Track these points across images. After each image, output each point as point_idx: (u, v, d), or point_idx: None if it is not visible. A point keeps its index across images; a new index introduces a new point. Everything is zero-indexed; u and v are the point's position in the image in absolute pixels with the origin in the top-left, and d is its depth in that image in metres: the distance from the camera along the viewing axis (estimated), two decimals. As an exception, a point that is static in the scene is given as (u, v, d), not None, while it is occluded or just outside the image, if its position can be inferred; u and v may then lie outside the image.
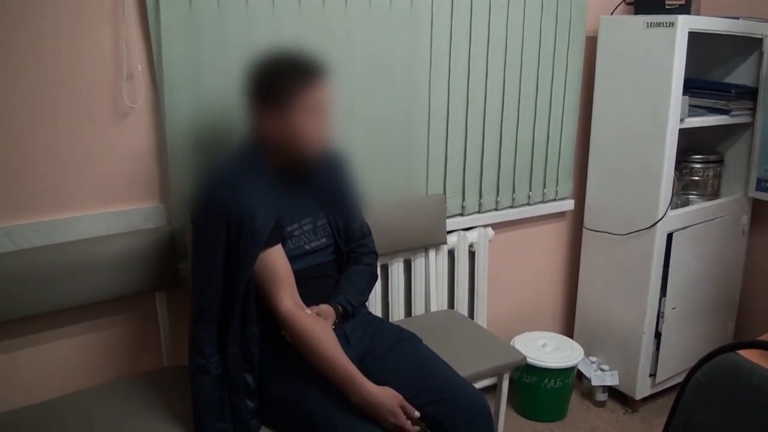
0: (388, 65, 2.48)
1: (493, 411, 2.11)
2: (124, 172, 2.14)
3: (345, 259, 2.11)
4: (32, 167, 1.99)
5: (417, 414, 1.81)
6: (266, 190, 1.86)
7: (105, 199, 2.13)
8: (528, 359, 2.73)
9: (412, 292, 2.78)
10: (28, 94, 1.94)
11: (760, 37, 3.00)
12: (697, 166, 3.14)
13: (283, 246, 1.90)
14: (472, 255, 2.90)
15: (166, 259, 2.19)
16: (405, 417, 1.79)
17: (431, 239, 2.72)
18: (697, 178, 3.15)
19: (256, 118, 1.89)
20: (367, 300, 2.18)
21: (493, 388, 2.64)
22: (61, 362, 2.15)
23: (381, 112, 2.51)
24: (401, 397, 1.81)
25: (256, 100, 1.87)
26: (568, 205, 3.20)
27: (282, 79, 1.84)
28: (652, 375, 3.09)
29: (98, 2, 1.98)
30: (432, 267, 2.78)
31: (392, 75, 2.50)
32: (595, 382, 3.10)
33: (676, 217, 2.92)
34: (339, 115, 2.33)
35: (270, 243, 1.85)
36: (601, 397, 3.15)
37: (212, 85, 2.14)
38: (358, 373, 1.81)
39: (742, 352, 1.68)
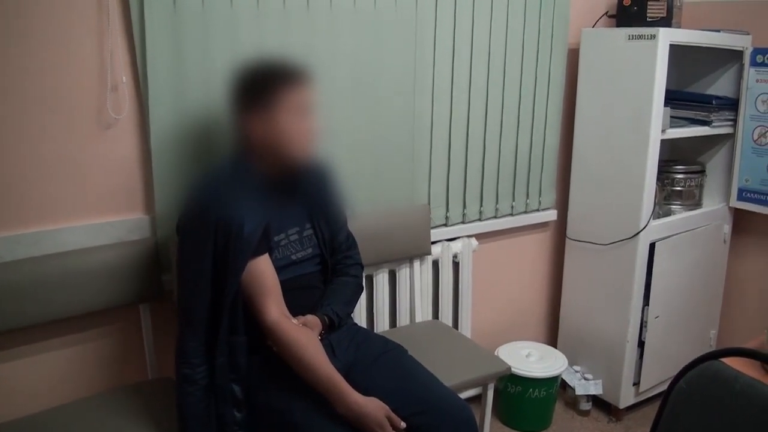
0: (372, 76, 2.50)
1: (478, 421, 2.11)
2: (109, 184, 2.13)
3: (331, 271, 2.11)
4: (16, 179, 1.98)
5: (403, 425, 1.82)
6: (254, 199, 1.86)
7: (89, 211, 2.12)
8: (512, 369, 2.74)
9: (397, 302, 2.79)
10: (12, 105, 1.93)
11: (740, 49, 3.04)
12: (679, 176, 3.17)
13: (270, 256, 1.90)
14: (456, 265, 2.91)
15: (150, 271, 2.19)
16: (391, 428, 1.80)
17: (416, 250, 2.73)
18: (679, 188, 3.18)
19: (241, 122, 1.90)
20: (352, 311, 2.18)
21: (478, 399, 2.65)
22: (44, 376, 2.13)
23: (366, 122, 2.52)
24: (387, 407, 1.82)
25: (240, 103, 1.88)
26: (551, 215, 3.22)
27: (265, 79, 1.85)
28: (636, 384, 3.11)
29: (83, 14, 1.98)
30: (416, 277, 2.79)
31: (377, 86, 2.52)
32: (579, 392, 3.12)
33: (658, 227, 2.95)
34: (324, 124, 2.35)
35: (257, 252, 1.85)
36: (585, 406, 3.17)
37: (197, 96, 2.14)
38: (344, 383, 1.81)
39: (725, 359, 1.70)
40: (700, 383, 1.69)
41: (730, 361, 1.72)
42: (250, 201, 1.84)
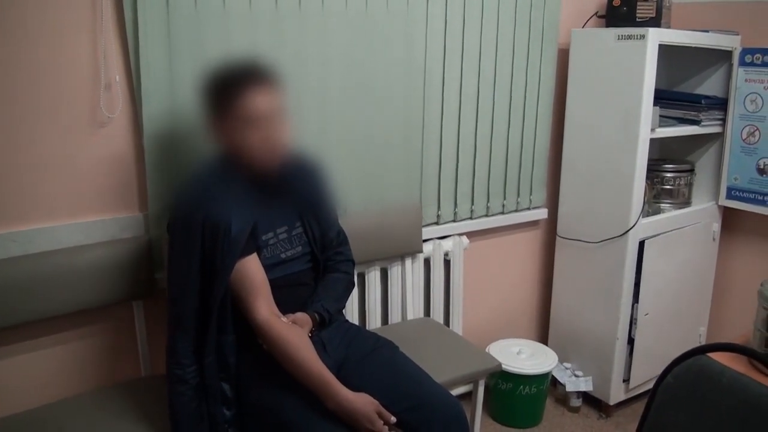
0: (365, 77, 2.52)
1: (468, 417, 2.13)
2: (102, 182, 2.15)
3: (322, 267, 2.13)
4: (9, 177, 1.99)
5: (393, 420, 1.84)
6: (241, 199, 1.87)
7: (83, 209, 2.14)
8: (503, 366, 2.76)
9: (389, 300, 2.81)
10: (5, 103, 1.94)
11: (729, 49, 3.07)
12: (669, 175, 3.20)
13: (259, 255, 1.92)
14: (447, 263, 2.94)
15: (143, 269, 2.20)
16: (382, 423, 1.81)
17: (407, 248, 2.75)
18: (668, 186, 3.20)
19: (210, 128, 1.90)
20: (344, 307, 2.20)
21: (469, 396, 2.67)
22: (37, 372, 2.15)
23: (358, 122, 2.54)
24: (377, 403, 1.83)
25: (206, 110, 1.89)
26: (542, 213, 3.24)
27: (216, 89, 1.85)
28: (626, 380, 3.14)
29: (77, 14, 2.00)
30: (408, 275, 2.81)
31: (369, 87, 2.54)
32: (569, 388, 3.14)
33: (647, 225, 2.98)
34: (314, 123, 2.37)
35: (245, 252, 1.86)
36: (576, 402, 3.19)
37: (189, 95, 2.14)
38: (334, 379, 1.83)
39: (712, 354, 1.73)
40: (687, 378, 1.72)
41: (717, 356, 1.75)
42: (238, 201, 1.86)
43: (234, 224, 1.82)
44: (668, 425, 1.74)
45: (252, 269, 1.88)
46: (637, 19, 2.86)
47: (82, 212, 2.14)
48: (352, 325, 2.23)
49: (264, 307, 1.87)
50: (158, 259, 2.24)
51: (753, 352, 1.97)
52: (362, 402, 1.81)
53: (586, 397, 3.22)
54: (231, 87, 1.81)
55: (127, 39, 2.07)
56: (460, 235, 2.96)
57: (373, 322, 2.76)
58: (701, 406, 1.66)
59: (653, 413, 1.77)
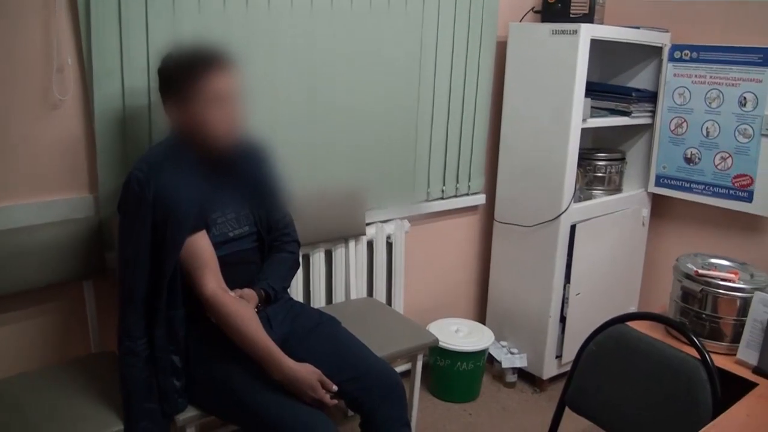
0: (312, 64, 2.58)
1: (408, 393, 2.22)
2: (54, 163, 2.18)
3: (268, 247, 2.20)
4: (-39, 157, 2.02)
5: (335, 388, 1.93)
6: (190, 178, 1.93)
7: (34, 190, 2.16)
8: (441, 343, 2.86)
9: (333, 280, 2.89)
10: (-43, 85, 1.97)
11: (660, 45, 3.22)
12: (601, 163, 3.35)
13: (208, 232, 1.98)
14: (389, 246, 3.03)
15: (93, 249, 2.24)
16: (324, 391, 1.91)
17: (351, 230, 2.84)
18: (601, 174, 3.36)
19: (166, 109, 1.97)
20: (289, 286, 2.27)
21: (409, 374, 2.75)
22: (-12, 349, 2.17)
23: (304, 108, 2.60)
24: (320, 372, 1.92)
25: (162, 91, 1.96)
26: (480, 199, 3.36)
27: (179, 70, 1.91)
28: (558, 357, 3.29)
29: (29, -3, 2.03)
30: (352, 257, 2.89)
31: (316, 72, 2.60)
32: (505, 365, 3.27)
33: (579, 210, 3.12)
34: (263, 108, 2.42)
35: (195, 229, 1.93)
36: (511, 378, 3.33)
37: (140, 78, 2.20)
38: (278, 350, 1.91)
39: (631, 323, 1.91)
40: (608, 344, 1.90)
41: (636, 325, 1.94)
42: (188, 180, 1.92)
43: (183, 203, 1.88)
44: (590, 387, 1.90)
45: (201, 245, 1.94)
46: (571, 15, 2.99)
47: (32, 193, 2.16)
48: (297, 302, 2.32)
49: (212, 281, 1.93)
50: (108, 240, 2.27)
51: (667, 320, 2.13)
52: (305, 371, 1.90)
53: (521, 372, 3.36)
54: (195, 68, 1.88)
55: (79, 22, 2.09)
56: (401, 219, 3.05)
57: (318, 302, 2.84)
58: (621, 369, 1.84)
59: (576, 377, 1.93)
